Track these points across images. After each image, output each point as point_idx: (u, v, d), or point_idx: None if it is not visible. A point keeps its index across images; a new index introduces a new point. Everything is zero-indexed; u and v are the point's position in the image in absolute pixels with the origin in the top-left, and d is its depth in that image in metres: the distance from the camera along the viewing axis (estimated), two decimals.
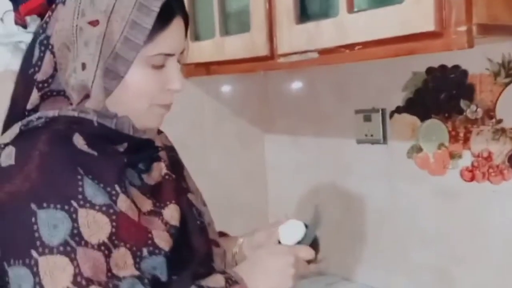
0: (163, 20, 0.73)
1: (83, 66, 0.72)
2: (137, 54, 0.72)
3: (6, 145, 0.70)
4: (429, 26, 0.82)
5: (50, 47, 0.74)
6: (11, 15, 1.17)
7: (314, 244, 0.88)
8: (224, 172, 1.61)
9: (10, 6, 1.17)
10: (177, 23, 0.76)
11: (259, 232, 0.96)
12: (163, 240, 0.72)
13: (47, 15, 0.77)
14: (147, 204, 0.74)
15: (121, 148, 0.74)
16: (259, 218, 1.70)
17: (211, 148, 1.59)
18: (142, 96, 0.75)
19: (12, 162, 0.68)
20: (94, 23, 0.71)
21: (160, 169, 0.79)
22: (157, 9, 0.72)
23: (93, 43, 0.71)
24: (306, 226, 0.89)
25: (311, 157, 1.54)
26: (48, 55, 0.74)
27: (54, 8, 0.76)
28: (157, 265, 0.71)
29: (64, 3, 0.75)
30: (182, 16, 0.77)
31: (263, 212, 1.71)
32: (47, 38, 0.75)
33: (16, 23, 1.16)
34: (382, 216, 1.37)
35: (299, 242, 0.87)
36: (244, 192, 1.66)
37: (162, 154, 0.82)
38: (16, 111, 0.76)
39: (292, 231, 0.88)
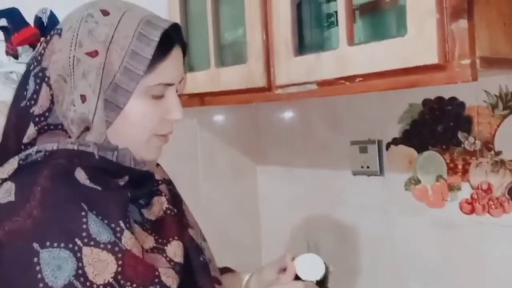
0: (163, 50, 0.72)
1: (83, 98, 0.69)
2: (137, 84, 0.70)
3: (4, 180, 0.67)
4: (433, 59, 0.81)
5: (46, 79, 0.71)
6: (2, 45, 1.14)
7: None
8: (216, 203, 1.58)
9: (1, 36, 1.14)
10: (176, 52, 0.75)
11: (267, 269, 0.93)
12: (170, 277, 0.69)
13: (41, 46, 0.74)
14: (149, 241, 0.71)
15: (122, 181, 0.72)
16: (251, 250, 1.66)
17: (203, 179, 1.56)
18: (142, 127, 0.73)
19: (12, 198, 0.65)
20: (93, 53, 0.69)
21: (161, 203, 0.76)
22: (157, 39, 0.70)
23: (92, 74, 0.69)
24: (326, 266, 0.86)
25: (305, 188, 1.52)
26: (44, 88, 0.71)
27: (49, 39, 0.73)
28: None
29: (60, 34, 0.72)
30: (181, 45, 0.76)
31: (256, 244, 1.68)
32: (43, 70, 0.72)
33: (7, 53, 1.14)
34: (379, 250, 1.34)
35: (319, 280, 0.83)
36: (236, 224, 1.63)
37: (163, 187, 0.79)
38: (10, 144, 0.73)
39: (311, 266, 0.84)
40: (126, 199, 0.70)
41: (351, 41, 0.95)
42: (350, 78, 0.96)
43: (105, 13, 0.71)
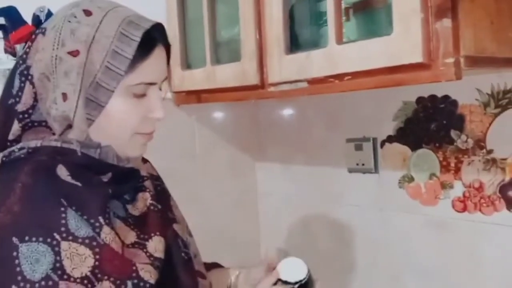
0: (144, 49, 0.72)
1: (64, 96, 0.71)
2: (118, 83, 0.71)
3: None
4: (417, 57, 0.82)
5: (29, 77, 0.73)
6: (1, 43, 1.16)
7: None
8: (215, 200, 1.60)
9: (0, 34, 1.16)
10: (158, 52, 0.75)
11: (256, 268, 0.93)
12: (148, 272, 0.70)
13: (26, 45, 0.76)
14: (130, 236, 0.72)
15: (106, 178, 0.73)
16: (250, 246, 1.68)
17: (202, 176, 1.57)
18: (124, 126, 0.74)
19: None
20: (74, 53, 0.70)
21: (145, 199, 0.78)
22: (138, 39, 0.71)
23: (73, 73, 0.70)
24: (308, 270, 0.87)
25: (303, 185, 1.53)
26: (27, 86, 0.73)
27: (34, 38, 0.75)
28: None
29: (44, 33, 0.74)
30: (164, 44, 0.76)
31: (255, 240, 1.69)
32: (27, 68, 0.74)
33: (6, 51, 1.15)
34: (374, 246, 1.35)
35: (301, 283, 0.85)
36: (235, 220, 1.64)
37: (148, 183, 0.80)
38: None
39: (293, 269, 0.86)
40: (106, 195, 0.71)
41: (340, 40, 0.96)
42: (339, 76, 0.97)
43: (87, 13, 0.72)
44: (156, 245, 0.74)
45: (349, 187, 1.39)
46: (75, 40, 0.71)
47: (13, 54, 1.16)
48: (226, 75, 1.22)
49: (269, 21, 1.09)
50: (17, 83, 0.74)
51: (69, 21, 0.72)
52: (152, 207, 0.78)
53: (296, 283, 0.85)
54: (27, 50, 0.75)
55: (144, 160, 0.86)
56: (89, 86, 0.71)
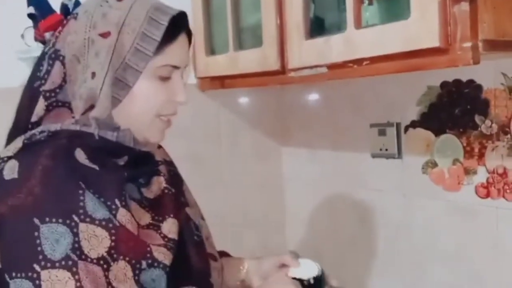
0: (170, 33, 0.76)
1: (93, 75, 0.74)
2: (146, 64, 0.74)
3: (9, 158, 0.72)
4: (434, 42, 0.81)
5: (60, 58, 0.76)
6: (31, 32, 1.20)
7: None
8: (241, 184, 1.62)
9: (30, 23, 1.21)
10: (182, 38, 0.79)
11: (268, 260, 0.94)
12: (161, 253, 0.73)
13: (57, 30, 0.79)
14: (146, 218, 0.75)
15: (122, 161, 0.76)
16: (275, 229, 1.70)
17: (227, 160, 1.60)
18: (148, 106, 0.77)
19: (16, 176, 0.69)
20: (106, 34, 0.74)
21: (159, 183, 0.80)
22: (165, 23, 0.75)
23: (103, 53, 0.73)
24: (322, 271, 0.88)
25: (327, 170, 1.53)
26: (58, 65, 0.76)
27: (65, 23, 0.79)
28: (155, 278, 0.71)
29: (75, 18, 0.78)
30: (187, 32, 0.80)
31: (280, 225, 1.71)
32: (56, 51, 0.77)
33: (36, 39, 1.19)
34: (397, 231, 1.35)
35: (313, 280, 0.86)
36: (260, 205, 1.67)
37: (162, 168, 0.83)
38: (20, 124, 0.77)
39: (306, 268, 0.87)
40: (123, 178, 0.74)
41: (358, 25, 0.95)
42: (358, 61, 0.97)
43: None
44: (170, 226, 0.76)
45: (372, 172, 1.39)
46: (107, 23, 0.74)
47: (43, 42, 1.20)
48: (248, 60, 1.24)
49: (289, 7, 1.10)
50: (45, 65, 0.77)
51: (101, 5, 0.76)
52: (166, 191, 0.80)
53: (308, 280, 0.85)
54: (57, 34, 0.78)
55: (158, 146, 0.88)
56: (119, 67, 0.74)
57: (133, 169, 0.77)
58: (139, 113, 0.77)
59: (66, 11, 1.20)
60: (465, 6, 0.79)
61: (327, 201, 1.56)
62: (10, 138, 0.77)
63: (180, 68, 0.79)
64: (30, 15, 1.18)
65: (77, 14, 0.78)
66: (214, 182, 1.58)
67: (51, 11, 1.17)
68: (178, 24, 0.77)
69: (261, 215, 1.66)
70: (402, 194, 1.32)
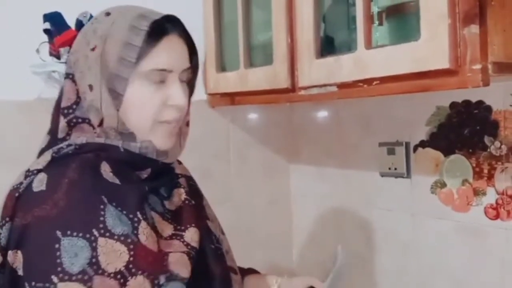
0: (153, 37, 0.76)
1: (90, 87, 0.76)
2: (132, 71, 0.76)
3: (39, 171, 0.74)
4: (444, 63, 0.82)
5: (70, 76, 0.80)
6: (46, 47, 1.23)
7: None
8: (249, 201, 1.62)
9: (45, 38, 1.23)
10: (170, 41, 0.78)
11: (298, 280, 0.97)
12: (180, 265, 0.74)
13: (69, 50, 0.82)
14: (168, 229, 0.77)
15: (145, 174, 0.78)
16: (283, 247, 1.69)
17: (235, 176, 1.60)
18: (144, 112, 0.77)
19: (44, 188, 0.71)
20: (94, 48, 0.77)
21: (180, 194, 0.83)
22: (146, 28, 0.76)
23: (94, 66, 0.76)
24: None
25: (336, 188, 1.53)
26: (69, 83, 0.79)
27: (72, 44, 0.83)
28: None
29: (77, 38, 0.82)
30: (180, 35, 0.80)
31: (287, 242, 1.71)
32: (66, 70, 0.81)
33: (51, 54, 1.22)
34: (405, 250, 1.34)
35: None
36: (268, 221, 1.66)
37: (182, 181, 0.86)
38: (51, 141, 0.80)
39: None
40: (144, 191, 0.76)
41: (369, 45, 0.96)
42: (368, 81, 0.97)
43: (107, 14, 0.80)
44: (192, 235, 0.78)
45: (381, 191, 1.39)
46: (95, 37, 0.77)
47: (58, 57, 1.23)
48: (258, 78, 1.25)
49: (300, 26, 1.11)
50: (63, 83, 0.81)
51: (92, 23, 0.80)
52: (187, 202, 0.83)
53: None
54: (69, 54, 0.82)
55: (178, 161, 0.90)
56: (108, 77, 0.76)
57: (154, 180, 0.79)
58: (137, 119, 0.78)
59: (81, 27, 1.23)
60: (475, 29, 0.80)
61: (335, 219, 1.55)
62: (42, 153, 0.80)
63: (173, 71, 0.78)
64: (46, 31, 1.21)
65: (80, 34, 0.83)
66: (222, 198, 1.58)
67: (66, 27, 1.20)
68: (162, 27, 0.77)
69: (268, 231, 1.66)
70: (411, 213, 1.32)
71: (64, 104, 0.79)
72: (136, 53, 0.75)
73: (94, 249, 0.68)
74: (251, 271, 1.01)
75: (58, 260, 0.67)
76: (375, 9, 1.05)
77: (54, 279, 0.66)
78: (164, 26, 0.78)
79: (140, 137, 0.78)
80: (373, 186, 1.41)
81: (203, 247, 0.80)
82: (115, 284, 0.68)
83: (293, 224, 1.70)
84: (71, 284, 0.66)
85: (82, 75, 0.78)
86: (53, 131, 0.81)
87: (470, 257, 1.19)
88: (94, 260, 0.68)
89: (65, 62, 0.83)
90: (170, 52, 0.78)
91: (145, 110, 0.77)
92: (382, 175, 1.38)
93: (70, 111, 0.78)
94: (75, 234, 0.68)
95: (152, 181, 0.79)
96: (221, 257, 0.86)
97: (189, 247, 0.76)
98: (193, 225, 0.80)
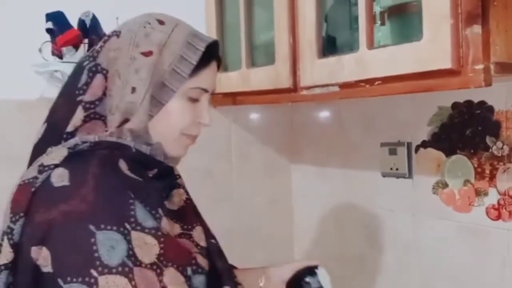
0: (205, 59, 0.81)
1: (133, 89, 0.77)
2: (181, 85, 0.79)
3: (56, 166, 0.74)
4: (446, 64, 0.82)
5: (103, 71, 0.79)
6: (49, 46, 1.23)
7: None
8: (250, 200, 1.63)
9: (48, 37, 1.23)
10: (214, 64, 0.84)
11: (287, 265, 0.98)
12: (202, 260, 0.77)
13: (98, 45, 0.81)
14: (175, 228, 0.78)
15: (152, 173, 0.80)
16: (283, 246, 1.70)
17: (237, 176, 1.61)
18: (176, 125, 0.81)
19: (67, 183, 0.71)
20: (148, 53, 0.78)
21: (180, 194, 0.85)
22: (202, 49, 0.80)
23: (144, 70, 0.77)
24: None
25: (337, 188, 1.53)
26: (99, 78, 0.78)
27: (107, 39, 0.81)
28: (199, 284, 0.75)
29: (118, 35, 0.81)
30: (217, 60, 0.85)
31: (288, 241, 1.71)
32: (97, 65, 0.79)
33: (53, 53, 1.23)
34: (406, 250, 1.34)
35: None
36: (269, 221, 1.67)
37: (180, 181, 0.88)
38: (54, 133, 0.79)
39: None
40: (160, 189, 0.79)
41: (371, 45, 0.96)
42: (370, 81, 0.97)
43: (161, 22, 0.81)
44: (199, 234, 0.81)
45: (382, 191, 1.39)
46: (149, 42, 0.78)
47: (60, 56, 1.23)
48: (260, 78, 1.25)
49: (302, 25, 1.11)
50: (84, 78, 0.79)
51: (144, 27, 0.80)
52: (188, 201, 0.85)
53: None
54: (99, 49, 0.81)
55: None
56: (156, 85, 0.78)
57: (161, 180, 0.81)
58: (166, 129, 0.81)
59: (83, 26, 1.24)
60: (477, 29, 0.79)
61: (336, 219, 1.56)
62: (42, 146, 0.79)
63: (208, 92, 0.84)
64: (48, 30, 1.22)
65: (119, 32, 0.81)
66: (223, 197, 1.58)
67: (68, 26, 1.21)
68: (211, 51, 0.82)
69: (269, 231, 1.66)
70: (412, 214, 1.32)
71: (88, 98, 0.78)
72: (190, 70, 0.79)
73: (129, 242, 0.69)
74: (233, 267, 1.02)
75: (96, 254, 0.67)
76: (377, 9, 1.05)
77: (94, 273, 0.66)
78: (214, 51, 0.83)
79: (163, 144, 0.80)
80: (375, 186, 1.41)
81: (208, 245, 0.82)
82: (153, 275, 0.69)
83: (294, 224, 1.71)
84: (111, 277, 0.66)
85: (119, 74, 0.78)
86: (57, 121, 0.79)
87: (471, 258, 1.19)
88: (131, 252, 0.68)
89: (91, 54, 0.81)
90: (213, 74, 0.84)
91: (178, 123, 0.81)
92: (384, 175, 1.38)
93: (92, 106, 0.78)
94: (109, 227, 0.68)
95: (159, 181, 0.80)
96: (222, 253, 0.88)
97: (198, 247, 0.79)
98: (198, 224, 0.82)
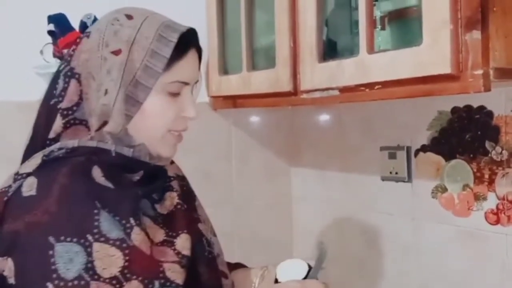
0: (179, 50, 0.77)
1: (106, 91, 0.75)
2: (156, 81, 0.76)
3: (28, 174, 0.73)
4: (446, 69, 0.82)
5: (76, 76, 0.77)
6: (50, 48, 1.23)
7: None
8: (249, 203, 1.63)
9: (49, 39, 1.23)
10: (191, 55, 0.80)
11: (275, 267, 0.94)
12: (174, 272, 0.72)
13: (71, 48, 0.81)
14: (159, 234, 0.76)
15: (137, 176, 0.77)
16: (283, 249, 1.70)
17: (237, 179, 1.61)
18: (159, 122, 0.78)
19: (34, 193, 0.70)
20: (117, 52, 0.75)
21: (172, 198, 0.81)
22: (174, 40, 0.76)
23: (115, 70, 0.75)
24: (309, 266, 0.89)
25: (336, 191, 1.54)
26: (74, 83, 0.77)
27: (78, 42, 0.81)
28: None
29: (88, 36, 0.80)
30: (197, 49, 0.82)
31: (288, 245, 1.71)
32: (72, 69, 0.78)
33: (54, 55, 1.22)
34: (405, 254, 1.34)
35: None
36: (269, 224, 1.67)
37: (174, 183, 0.84)
38: (37, 140, 0.79)
39: (292, 269, 0.88)
40: (137, 196, 0.75)
41: (371, 49, 0.97)
42: (370, 85, 0.98)
43: (129, 17, 0.78)
44: (183, 242, 0.76)
45: (382, 195, 1.39)
46: (118, 40, 0.76)
47: (61, 58, 1.23)
48: (260, 81, 1.25)
49: (303, 29, 1.12)
50: (61, 83, 0.78)
51: (112, 24, 0.78)
52: (179, 206, 0.81)
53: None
54: (71, 53, 0.80)
55: (171, 161, 0.89)
56: (129, 83, 0.75)
57: (147, 184, 0.78)
58: (150, 128, 0.78)
59: (84, 28, 1.23)
60: (477, 34, 0.80)
61: (335, 223, 1.56)
62: (27, 154, 0.79)
63: (190, 84, 0.80)
64: (50, 32, 1.21)
65: (89, 32, 0.80)
66: (223, 200, 1.59)
67: (70, 28, 1.20)
68: (187, 41, 0.79)
69: (269, 234, 1.66)
70: (411, 218, 1.32)
71: (65, 105, 0.77)
72: (163, 64, 0.76)
73: (89, 254, 0.67)
74: (238, 266, 1.00)
75: (53, 267, 0.66)
76: (377, 14, 1.05)
77: (49, 285, 0.65)
78: (189, 39, 0.79)
79: (148, 145, 0.78)
80: (374, 190, 1.41)
81: (194, 253, 0.78)
82: None
83: (294, 227, 1.71)
84: None
85: (93, 76, 0.76)
86: (40, 129, 0.79)
87: (470, 262, 1.19)
88: (89, 265, 0.66)
89: (66, 58, 0.80)
90: (191, 65, 0.80)
91: (161, 120, 0.78)
92: (383, 179, 1.38)
93: (70, 112, 0.77)
94: (68, 239, 0.67)
95: (145, 186, 0.78)
96: (212, 262, 0.84)
97: (179, 255, 0.75)
98: (185, 231, 0.78)
